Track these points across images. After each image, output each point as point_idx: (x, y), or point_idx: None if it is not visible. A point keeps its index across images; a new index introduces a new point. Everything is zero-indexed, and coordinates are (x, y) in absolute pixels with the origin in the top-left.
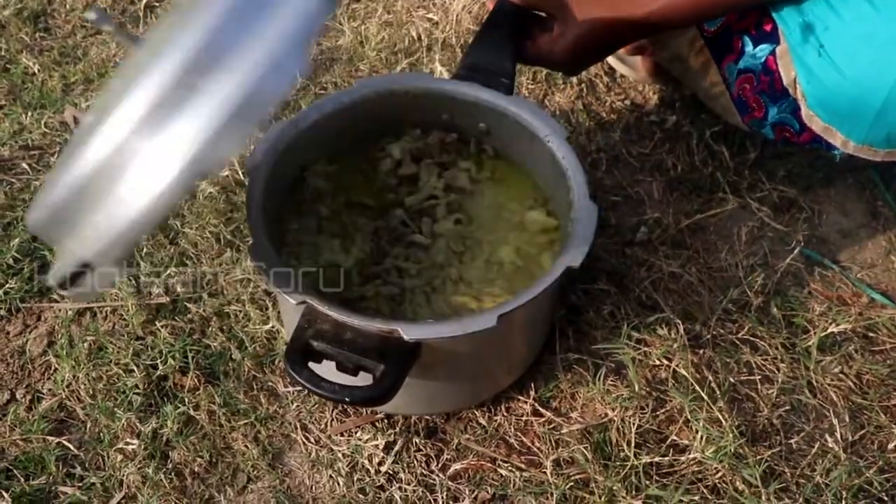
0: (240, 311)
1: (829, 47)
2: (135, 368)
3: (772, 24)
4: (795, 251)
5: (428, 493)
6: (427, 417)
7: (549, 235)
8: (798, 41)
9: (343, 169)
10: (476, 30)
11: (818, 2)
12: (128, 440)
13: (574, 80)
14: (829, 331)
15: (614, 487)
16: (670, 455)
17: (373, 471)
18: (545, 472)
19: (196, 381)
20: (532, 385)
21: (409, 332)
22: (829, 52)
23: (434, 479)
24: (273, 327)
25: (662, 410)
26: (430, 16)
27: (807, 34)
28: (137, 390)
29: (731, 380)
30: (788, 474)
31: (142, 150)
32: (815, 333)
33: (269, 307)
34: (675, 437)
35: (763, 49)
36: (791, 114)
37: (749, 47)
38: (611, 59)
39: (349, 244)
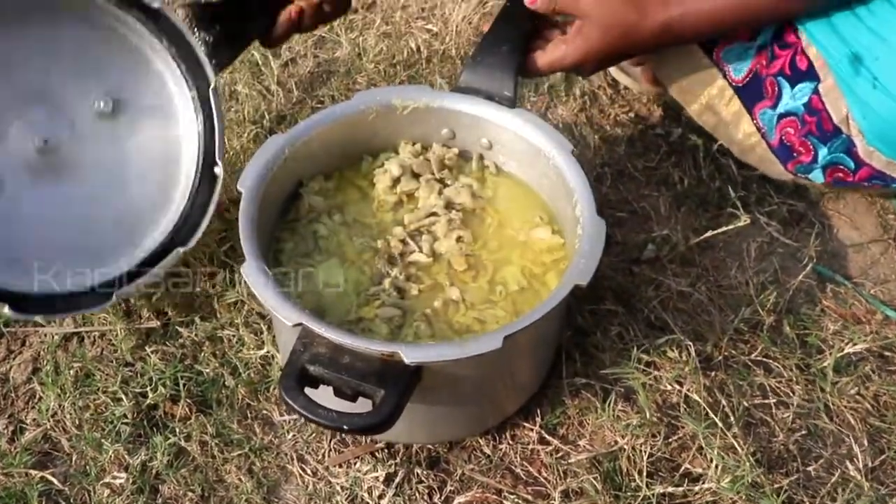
0: (233, 336)
1: (884, 77)
2: (123, 397)
3: (807, 62)
4: (808, 268)
5: None
6: (429, 447)
7: (555, 254)
8: (849, 74)
9: (340, 185)
10: (477, 41)
11: (862, 30)
12: (115, 473)
13: (577, 91)
14: (844, 351)
15: None
16: (684, 485)
17: None
18: None
19: (187, 409)
20: (538, 411)
21: (410, 355)
22: (884, 82)
23: None
24: (268, 352)
25: (675, 437)
26: (430, 27)
27: (857, 66)
28: (126, 420)
29: (745, 404)
30: None
31: None
32: (830, 354)
33: (263, 331)
34: (688, 466)
35: (803, 88)
36: (844, 152)
37: (787, 89)
38: (613, 71)
39: (347, 263)
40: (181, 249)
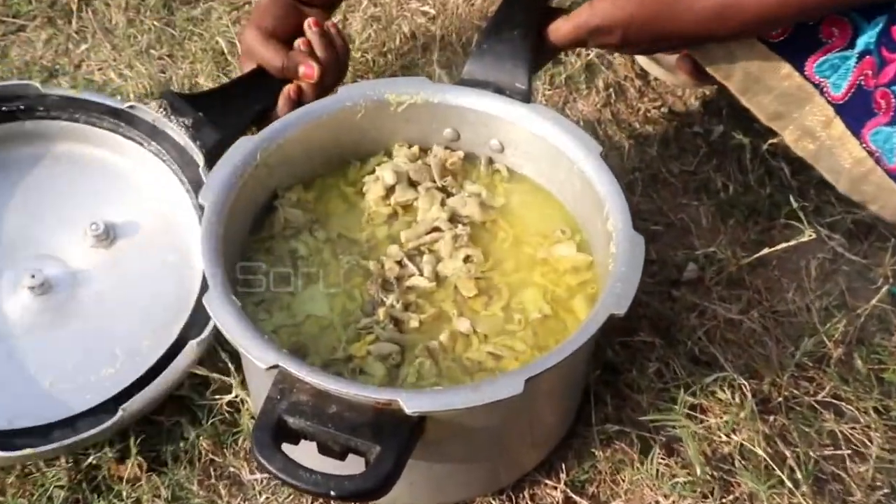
0: (194, 377)
1: None
2: (58, 456)
3: None
4: (882, 290)
5: None
6: None
7: (581, 275)
8: None
9: (322, 196)
10: (482, 25)
11: None
12: None
13: (599, 84)
14: None
15: None
16: None
17: None
18: None
19: (137, 468)
20: (562, 465)
21: (411, 403)
22: None
23: None
24: (237, 397)
25: (730, 497)
26: (425, 9)
27: None
28: (60, 483)
29: (813, 455)
30: None
31: None
32: None
33: (231, 371)
34: None
35: None
36: None
37: None
38: (642, 60)
39: (332, 290)
40: (194, 342)
